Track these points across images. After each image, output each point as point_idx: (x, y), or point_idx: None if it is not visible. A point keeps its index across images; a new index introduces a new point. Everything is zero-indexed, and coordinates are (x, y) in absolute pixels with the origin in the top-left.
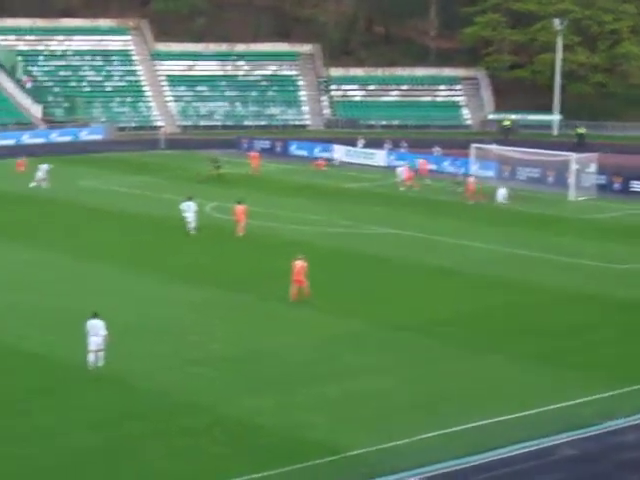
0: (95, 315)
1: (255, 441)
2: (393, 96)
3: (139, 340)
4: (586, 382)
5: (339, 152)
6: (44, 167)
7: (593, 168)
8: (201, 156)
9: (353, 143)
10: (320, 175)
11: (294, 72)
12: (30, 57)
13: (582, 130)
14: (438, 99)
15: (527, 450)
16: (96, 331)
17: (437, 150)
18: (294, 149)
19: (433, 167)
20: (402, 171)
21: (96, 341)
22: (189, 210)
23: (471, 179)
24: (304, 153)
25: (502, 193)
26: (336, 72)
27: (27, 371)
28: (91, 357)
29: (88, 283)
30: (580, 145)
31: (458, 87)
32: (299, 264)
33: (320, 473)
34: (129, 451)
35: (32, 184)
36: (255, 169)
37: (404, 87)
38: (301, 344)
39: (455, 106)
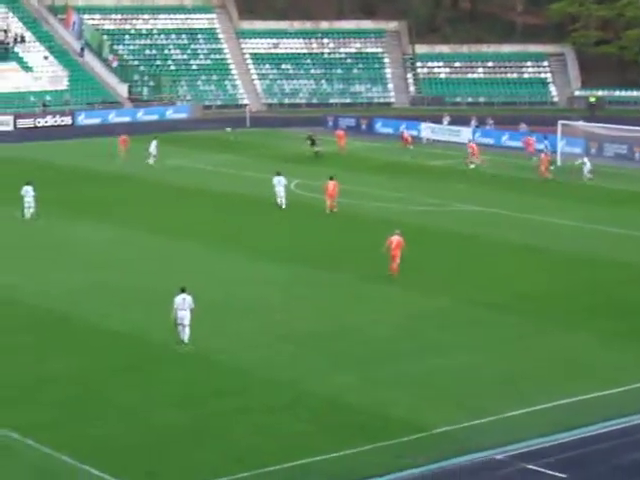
0: (183, 290)
1: (339, 418)
2: (479, 73)
3: (225, 318)
4: None
5: (426, 130)
6: (154, 143)
7: None
8: (285, 134)
9: (439, 120)
10: (406, 153)
11: (379, 49)
12: (116, 36)
13: None
14: (525, 76)
15: (613, 428)
16: (184, 305)
17: (523, 127)
18: (379, 127)
19: (518, 144)
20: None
21: (183, 315)
22: (279, 184)
23: (543, 155)
24: (389, 131)
25: (587, 167)
26: (421, 49)
27: (111, 350)
28: (181, 330)
29: (174, 261)
30: None
31: (545, 63)
32: (396, 239)
33: (405, 450)
34: (214, 428)
35: (149, 161)
36: (341, 147)
37: (490, 64)
38: (386, 321)
39: (542, 83)
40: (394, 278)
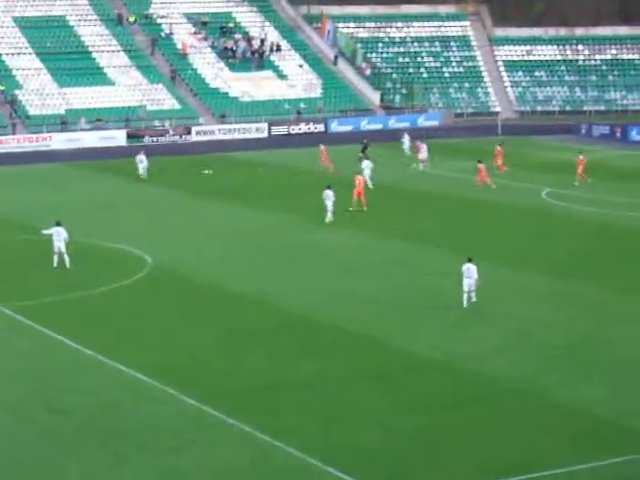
0: (470, 260)
1: (582, 428)
2: None
3: (474, 327)
4: None
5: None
6: (423, 146)
7: None
8: (537, 142)
9: None
10: None
11: (636, 56)
12: (369, 44)
13: None
14: None
15: None
16: (470, 274)
17: None
18: (634, 135)
19: None
20: None
21: (469, 282)
22: (328, 198)
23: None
24: None
25: None
26: None
27: (359, 356)
28: (464, 297)
29: (421, 268)
30: None
31: None
32: None
33: None
34: (455, 435)
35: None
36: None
37: None
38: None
39: None
40: None
